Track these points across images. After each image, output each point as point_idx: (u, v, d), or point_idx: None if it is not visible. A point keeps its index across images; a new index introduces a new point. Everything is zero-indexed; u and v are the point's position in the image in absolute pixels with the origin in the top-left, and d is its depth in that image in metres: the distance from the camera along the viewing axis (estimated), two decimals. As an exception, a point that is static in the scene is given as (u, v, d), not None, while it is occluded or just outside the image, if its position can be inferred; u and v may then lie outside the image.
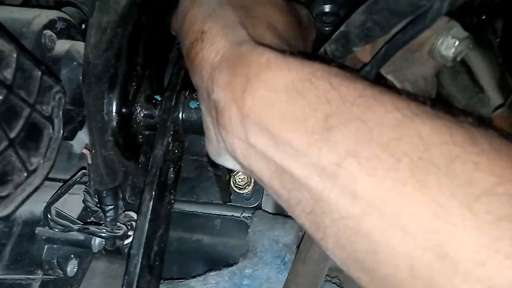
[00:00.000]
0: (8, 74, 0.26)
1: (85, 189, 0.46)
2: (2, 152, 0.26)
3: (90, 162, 0.48)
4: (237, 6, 0.30)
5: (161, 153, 0.39)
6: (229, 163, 0.32)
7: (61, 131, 0.32)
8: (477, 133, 0.20)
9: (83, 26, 0.49)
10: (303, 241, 0.39)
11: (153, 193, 0.36)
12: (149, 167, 0.38)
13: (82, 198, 0.46)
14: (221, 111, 0.26)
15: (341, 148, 0.21)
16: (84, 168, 0.45)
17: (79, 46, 0.42)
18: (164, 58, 0.54)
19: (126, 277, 0.33)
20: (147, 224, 0.35)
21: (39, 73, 0.30)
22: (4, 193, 0.27)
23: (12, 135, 0.27)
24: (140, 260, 0.34)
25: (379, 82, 0.38)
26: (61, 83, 0.33)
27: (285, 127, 0.23)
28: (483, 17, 0.45)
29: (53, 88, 0.32)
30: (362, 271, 0.22)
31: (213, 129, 0.29)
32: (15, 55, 0.27)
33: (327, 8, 0.59)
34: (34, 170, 0.30)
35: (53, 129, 0.32)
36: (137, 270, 0.34)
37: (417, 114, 0.21)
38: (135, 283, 0.33)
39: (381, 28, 0.28)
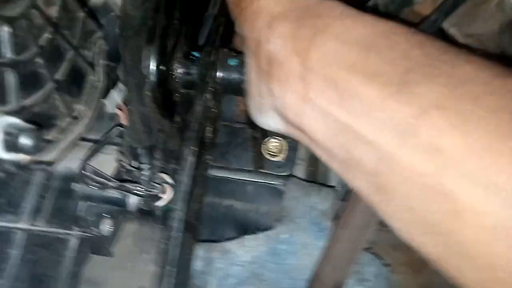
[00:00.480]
0: (54, 11, 0.25)
1: (119, 148, 0.45)
2: (48, 94, 0.25)
3: (122, 122, 0.48)
4: None
5: (200, 108, 0.37)
6: (270, 122, 0.30)
7: (102, 79, 0.31)
8: None
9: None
10: (346, 206, 0.37)
11: (193, 148, 0.35)
12: (189, 123, 0.36)
13: (116, 158, 0.46)
14: (277, 63, 0.25)
15: (424, 101, 0.19)
16: (118, 125, 0.45)
17: (116, -3, 0.41)
18: (200, 16, 0.52)
19: (170, 233, 0.32)
20: (187, 179, 0.34)
21: (82, 15, 0.28)
22: (49, 137, 0.26)
23: (57, 76, 0.26)
24: (182, 216, 0.33)
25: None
26: (103, 29, 0.31)
27: (356, 80, 0.21)
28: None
29: (95, 33, 0.30)
30: (432, 235, 0.20)
31: (260, 83, 0.28)
32: (61, -8, 0.25)
33: None
34: (77, 117, 0.29)
35: (94, 76, 0.31)
36: (180, 226, 0.33)
37: (508, 74, 0.19)
38: (179, 237, 0.32)
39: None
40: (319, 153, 0.25)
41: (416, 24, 0.34)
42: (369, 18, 0.23)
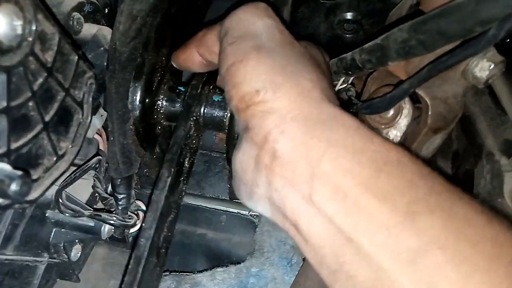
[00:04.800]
0: (49, 56, 0.26)
1: (95, 175, 0.45)
2: (37, 135, 0.26)
3: (101, 148, 0.48)
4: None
5: (183, 133, 0.38)
6: (259, 208, 0.29)
7: (90, 117, 0.32)
8: None
9: (106, 10, 0.48)
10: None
11: (172, 170, 0.35)
12: (170, 146, 0.37)
13: (91, 184, 0.46)
14: (284, 162, 0.25)
15: (426, 237, 0.21)
16: (98, 154, 0.45)
17: (106, 31, 0.41)
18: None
19: (135, 251, 0.31)
20: (163, 200, 0.34)
21: (76, 57, 0.29)
22: (34, 177, 0.26)
23: (47, 118, 0.27)
24: (152, 235, 0.33)
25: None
26: (94, 69, 0.32)
27: (366, 198, 0.23)
28: (508, 40, 0.46)
29: (86, 73, 0.31)
30: None
31: (257, 173, 0.27)
32: (57, 38, 0.26)
33: (349, 15, 0.59)
34: (63, 155, 0.29)
35: (82, 114, 0.31)
36: (148, 245, 0.32)
37: (501, 222, 0.22)
38: (144, 257, 0.31)
39: (425, 48, 0.28)
40: (308, 254, 0.26)
41: (394, 86, 0.37)
42: (380, 142, 0.24)
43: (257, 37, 0.29)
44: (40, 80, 0.25)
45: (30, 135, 0.25)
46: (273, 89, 0.26)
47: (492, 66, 0.32)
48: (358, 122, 0.25)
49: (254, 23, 0.30)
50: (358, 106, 0.38)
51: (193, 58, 0.38)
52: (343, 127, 0.25)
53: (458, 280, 0.20)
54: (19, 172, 0.22)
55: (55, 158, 0.28)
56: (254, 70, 0.27)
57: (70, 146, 0.30)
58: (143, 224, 0.34)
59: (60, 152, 0.29)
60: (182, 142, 0.38)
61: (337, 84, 0.44)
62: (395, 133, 0.38)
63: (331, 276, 0.24)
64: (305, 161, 0.24)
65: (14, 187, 0.21)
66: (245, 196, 0.30)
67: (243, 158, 0.29)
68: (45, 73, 0.26)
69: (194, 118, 0.41)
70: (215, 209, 0.55)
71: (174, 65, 0.43)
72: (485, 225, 0.22)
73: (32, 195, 0.26)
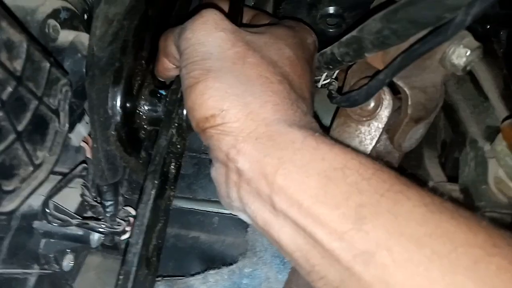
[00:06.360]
0: (18, 65, 0.25)
1: (83, 183, 0.45)
2: (10, 146, 0.25)
3: (88, 155, 0.48)
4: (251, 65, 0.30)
5: (165, 143, 0.38)
6: (241, 217, 0.32)
7: (67, 125, 0.31)
8: (496, 234, 0.22)
9: (85, 16, 0.48)
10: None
11: (156, 182, 0.35)
12: (152, 156, 0.37)
13: (80, 192, 0.45)
14: (247, 179, 0.27)
15: (373, 239, 0.23)
16: (83, 162, 0.45)
17: (83, 37, 0.41)
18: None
19: (123, 267, 0.32)
20: (148, 213, 0.34)
21: (48, 64, 0.29)
22: (10, 188, 0.26)
23: (20, 128, 0.26)
24: (139, 250, 0.33)
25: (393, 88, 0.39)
26: (69, 75, 0.32)
27: (319, 209, 0.24)
28: (488, 26, 0.46)
29: (60, 80, 0.31)
30: None
31: (229, 189, 0.30)
32: (26, 46, 0.26)
33: (331, 9, 0.58)
34: (40, 164, 0.29)
35: (59, 122, 0.31)
36: (136, 260, 0.32)
37: (441, 211, 0.23)
38: (132, 273, 0.32)
39: (398, 37, 0.28)
40: (286, 258, 0.29)
41: (370, 77, 0.37)
42: (326, 150, 0.26)
43: (207, 59, 0.29)
44: (10, 89, 0.25)
45: (2, 146, 0.25)
46: (221, 116, 0.28)
47: (469, 52, 0.32)
48: (305, 133, 0.27)
49: (203, 43, 0.30)
50: (337, 100, 0.37)
51: (166, 67, 0.39)
52: (290, 143, 0.26)
53: (405, 279, 0.22)
54: (-11, 183, 0.21)
55: (31, 168, 0.28)
56: (203, 96, 0.28)
57: (48, 155, 0.29)
58: (130, 240, 0.34)
59: (37, 162, 0.29)
60: (165, 151, 0.38)
61: (320, 79, 0.44)
62: (377, 125, 0.38)
63: (307, 276, 0.27)
64: (263, 178, 0.26)
65: (-17, 198, 0.21)
66: (227, 207, 0.32)
67: (216, 175, 0.31)
68: (15, 81, 0.25)
69: (177, 124, 0.40)
70: (207, 211, 0.55)
71: (159, 78, 0.43)
72: (428, 218, 0.23)
73: (9, 206, 0.26)
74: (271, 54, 0.31)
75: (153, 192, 0.35)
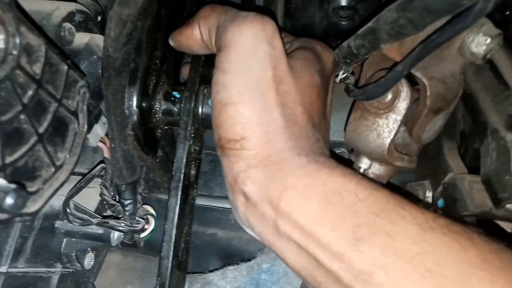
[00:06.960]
0: (37, 68, 0.26)
1: (102, 182, 0.46)
2: (32, 148, 0.26)
3: (105, 155, 0.48)
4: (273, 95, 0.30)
5: (184, 158, 0.38)
6: (249, 233, 0.34)
7: (86, 126, 0.32)
8: (487, 250, 0.23)
9: (99, 18, 0.48)
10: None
11: (179, 198, 0.36)
12: (172, 173, 0.38)
13: (99, 192, 0.46)
14: (253, 202, 0.29)
15: (369, 259, 0.24)
16: (102, 162, 0.45)
17: (98, 39, 0.42)
18: (179, 52, 0.53)
19: (158, 278, 0.35)
20: (175, 230, 0.36)
21: (66, 67, 0.29)
22: (33, 189, 0.27)
23: (41, 130, 0.27)
24: (170, 261, 0.35)
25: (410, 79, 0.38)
26: (86, 77, 0.32)
27: (319, 233, 0.26)
28: (507, 13, 0.45)
29: (78, 82, 0.31)
30: None
31: (237, 210, 0.32)
32: (44, 50, 0.26)
33: (343, 2, 0.58)
34: (61, 165, 0.29)
35: (78, 124, 0.32)
36: (168, 271, 0.35)
37: (434, 229, 0.24)
38: (167, 283, 0.34)
39: (414, 26, 0.27)
40: (295, 275, 0.30)
41: (387, 69, 0.36)
42: (328, 174, 0.28)
43: (249, 73, 0.30)
44: (30, 92, 0.25)
45: (24, 148, 0.25)
46: (242, 143, 0.30)
47: (489, 40, 0.31)
48: (310, 158, 0.29)
49: (253, 52, 0.30)
50: (354, 93, 0.37)
51: (195, 34, 0.38)
52: (295, 170, 0.28)
53: None
54: (13, 186, 0.22)
55: (53, 169, 0.28)
56: (232, 120, 0.30)
57: (68, 156, 0.30)
58: (161, 254, 0.36)
59: (58, 163, 0.29)
60: (184, 166, 0.38)
61: (338, 74, 0.43)
62: (395, 117, 0.37)
63: None
64: (268, 202, 0.28)
65: (8, 200, 0.21)
66: (239, 222, 0.34)
67: (229, 193, 0.33)
68: (35, 85, 0.26)
69: (193, 129, 0.40)
70: (224, 208, 0.55)
71: (172, 43, 0.42)
72: (421, 236, 0.24)
73: (33, 207, 0.27)
74: (305, 81, 0.32)
75: (177, 209, 0.37)
